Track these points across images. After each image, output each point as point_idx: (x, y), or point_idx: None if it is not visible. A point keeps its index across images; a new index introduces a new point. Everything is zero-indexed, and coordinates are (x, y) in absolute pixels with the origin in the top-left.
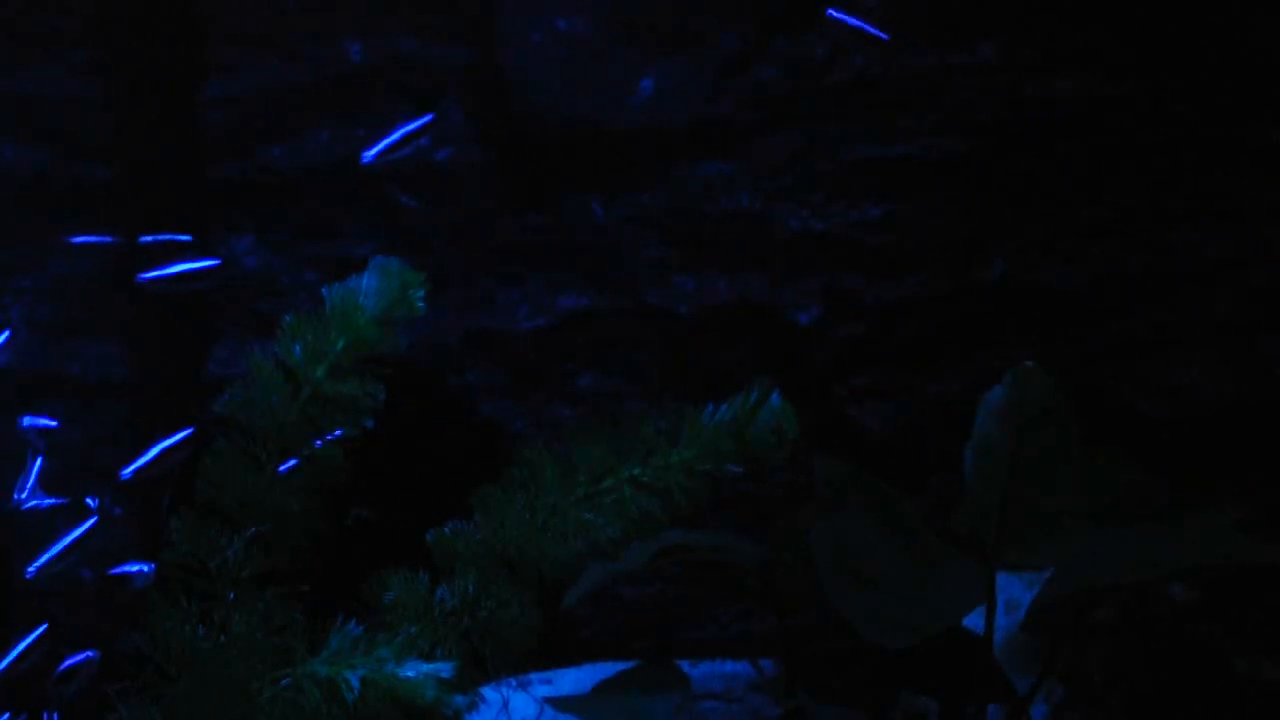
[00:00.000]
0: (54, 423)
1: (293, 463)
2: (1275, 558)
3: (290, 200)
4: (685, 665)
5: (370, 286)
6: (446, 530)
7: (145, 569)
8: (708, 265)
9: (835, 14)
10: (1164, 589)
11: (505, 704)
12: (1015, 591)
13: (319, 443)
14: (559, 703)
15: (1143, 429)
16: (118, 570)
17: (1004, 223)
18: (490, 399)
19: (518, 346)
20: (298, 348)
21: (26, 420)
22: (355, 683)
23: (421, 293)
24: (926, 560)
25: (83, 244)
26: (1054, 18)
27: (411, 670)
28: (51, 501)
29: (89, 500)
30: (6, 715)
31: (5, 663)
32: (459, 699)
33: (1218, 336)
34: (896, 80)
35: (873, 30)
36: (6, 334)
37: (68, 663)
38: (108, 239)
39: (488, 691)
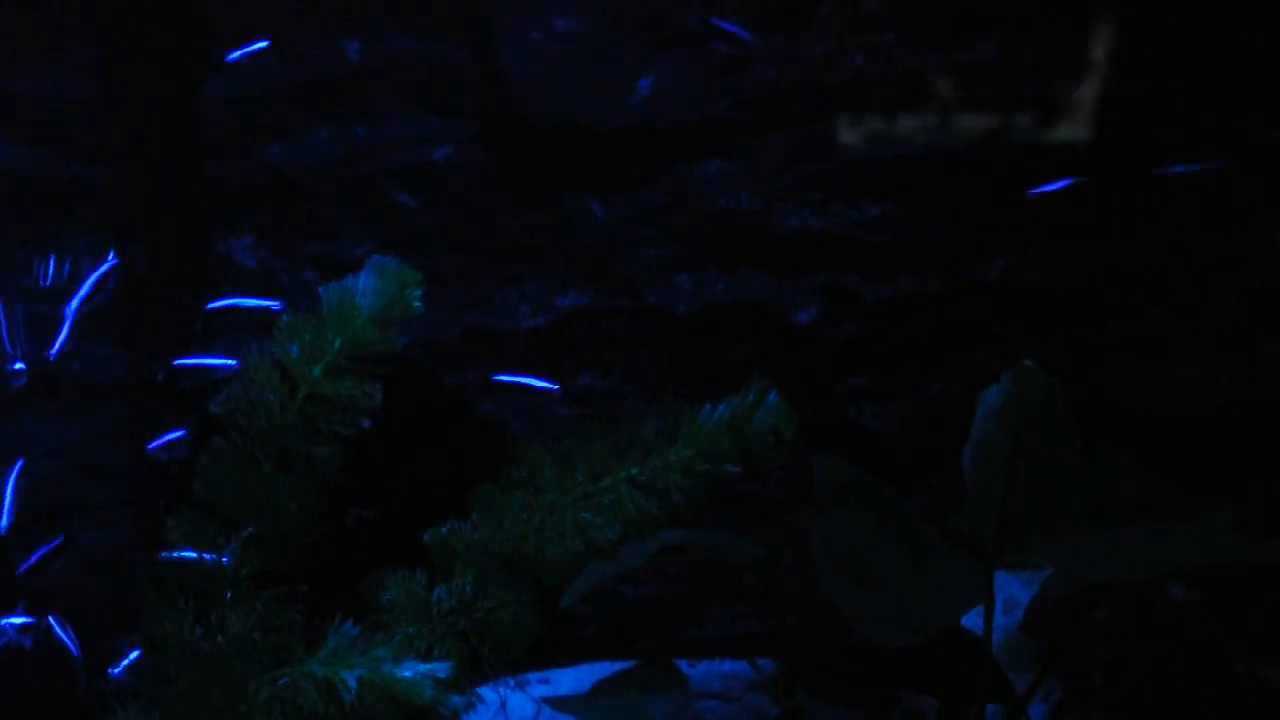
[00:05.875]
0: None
1: None
2: (1275, 557)
3: (289, 200)
4: (684, 665)
5: (368, 286)
6: (444, 530)
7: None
8: (707, 265)
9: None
10: (1164, 589)
11: (503, 704)
12: (1014, 591)
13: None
14: (557, 703)
15: (1143, 429)
16: None
17: (1004, 223)
18: (489, 398)
19: (516, 346)
20: (295, 347)
21: None
22: (352, 683)
23: (419, 292)
24: (926, 560)
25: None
26: (1054, 17)
27: (409, 670)
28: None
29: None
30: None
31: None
32: (456, 699)
33: (1218, 336)
34: (896, 80)
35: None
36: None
37: (38, 554)
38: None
39: (485, 691)
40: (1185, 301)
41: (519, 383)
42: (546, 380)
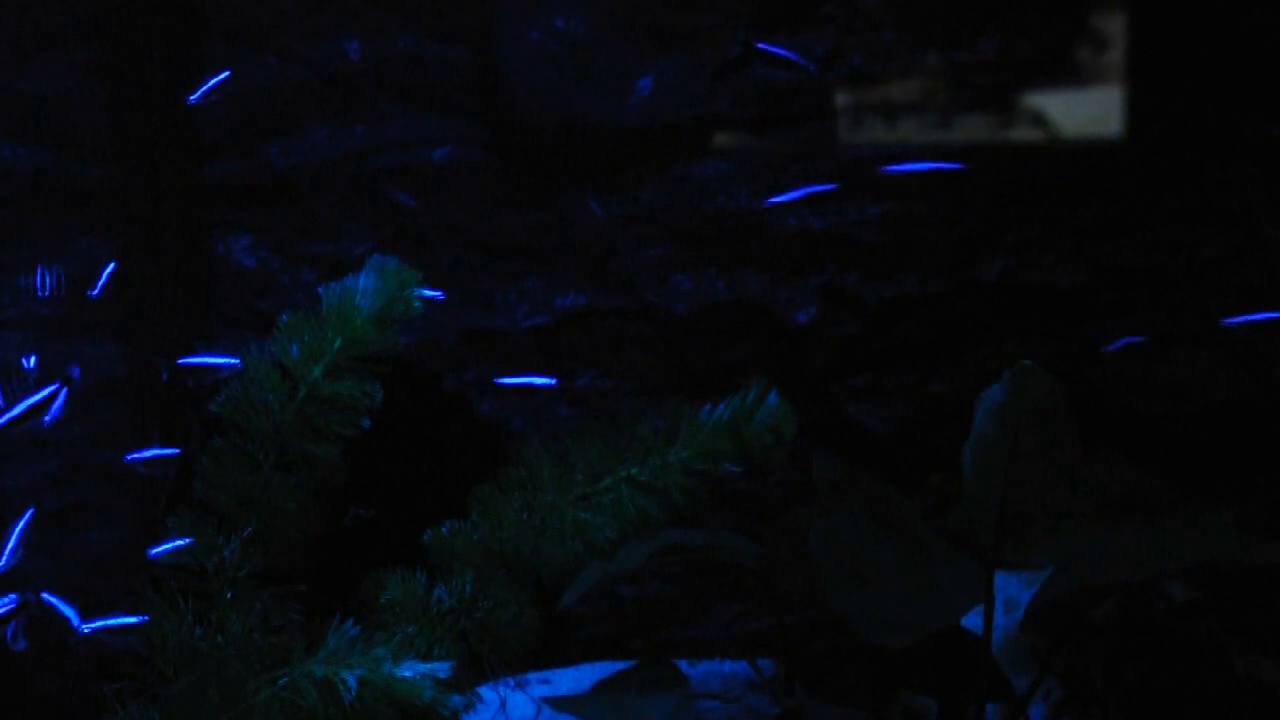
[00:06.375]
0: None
1: None
2: (1275, 557)
3: (289, 200)
4: (683, 665)
5: (367, 286)
6: (444, 530)
7: None
8: (706, 264)
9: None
10: (1163, 589)
11: (503, 704)
12: (1014, 590)
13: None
14: (557, 702)
15: (1142, 429)
16: None
17: (1004, 222)
18: (489, 398)
19: (516, 345)
20: (295, 347)
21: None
22: (352, 682)
23: (419, 292)
24: (925, 560)
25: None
26: (1054, 17)
27: (409, 670)
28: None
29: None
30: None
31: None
32: (456, 699)
33: (1217, 336)
34: (896, 80)
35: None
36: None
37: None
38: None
39: (485, 691)
40: (1184, 301)
41: (519, 384)
42: (545, 376)
